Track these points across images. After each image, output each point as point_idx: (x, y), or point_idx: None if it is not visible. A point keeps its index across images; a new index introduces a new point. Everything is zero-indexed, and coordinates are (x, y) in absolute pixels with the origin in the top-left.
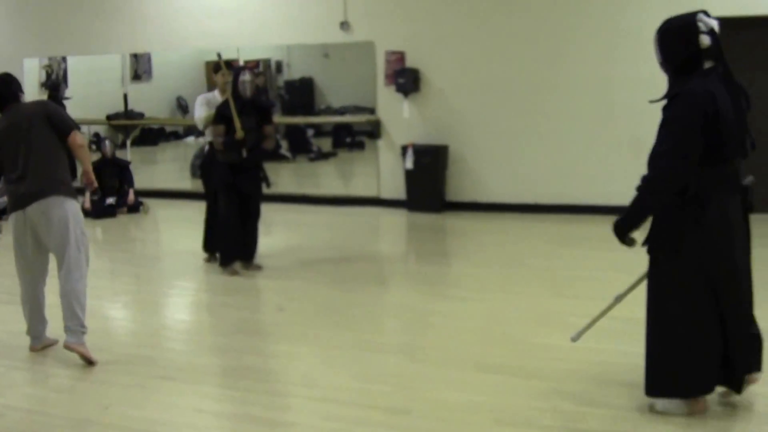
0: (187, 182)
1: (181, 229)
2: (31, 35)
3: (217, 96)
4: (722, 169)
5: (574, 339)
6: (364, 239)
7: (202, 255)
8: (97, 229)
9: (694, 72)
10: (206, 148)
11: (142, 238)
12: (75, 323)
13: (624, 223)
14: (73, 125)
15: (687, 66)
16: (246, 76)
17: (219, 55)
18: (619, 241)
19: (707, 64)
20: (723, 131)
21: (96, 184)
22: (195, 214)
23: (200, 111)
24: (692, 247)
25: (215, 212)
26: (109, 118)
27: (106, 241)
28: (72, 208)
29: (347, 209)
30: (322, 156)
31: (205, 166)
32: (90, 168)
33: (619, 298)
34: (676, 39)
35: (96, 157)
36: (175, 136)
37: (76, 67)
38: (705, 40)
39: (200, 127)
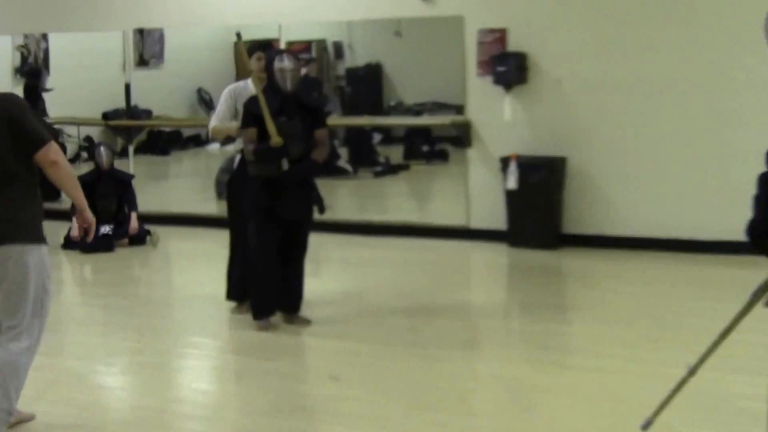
0: (211, 204)
1: (202, 267)
2: (2, 5)
3: (250, 87)
4: None
5: (644, 428)
6: (449, 285)
7: (228, 303)
8: (86, 267)
9: None
10: (237, 159)
11: (148, 278)
12: (1, 406)
13: (755, 226)
14: (45, 136)
15: None
16: (285, 63)
17: (238, 35)
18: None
19: None
20: None
21: (93, 224)
22: (220, 248)
23: (218, 112)
24: None
25: (243, 245)
26: (105, 117)
27: (100, 282)
28: (35, 259)
29: (425, 243)
30: (392, 170)
31: (234, 183)
32: (82, 201)
33: (692, 371)
34: None
35: (87, 168)
36: (195, 141)
37: (61, 49)
38: None
39: (210, 134)
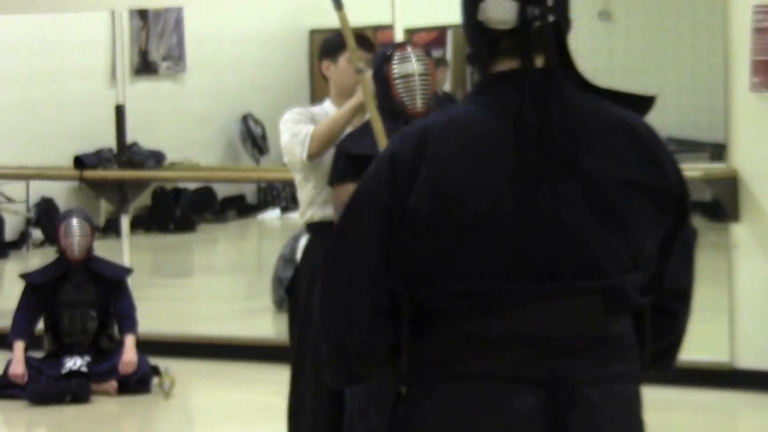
0: (265, 321)
1: None
2: None
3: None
4: (479, 323)
5: None
6: None
7: None
8: (35, 431)
9: (480, 83)
10: (301, 243)
11: None
12: None
13: None
14: None
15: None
16: (412, 64)
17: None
18: None
19: (504, 64)
20: (467, 231)
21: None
22: (284, 400)
23: (298, 129)
24: None
25: (321, 398)
26: (80, 163)
27: None
28: None
29: (651, 395)
30: None
31: (300, 287)
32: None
33: None
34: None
35: (42, 257)
36: (240, 206)
37: (8, 41)
38: (494, 12)
39: (311, 146)
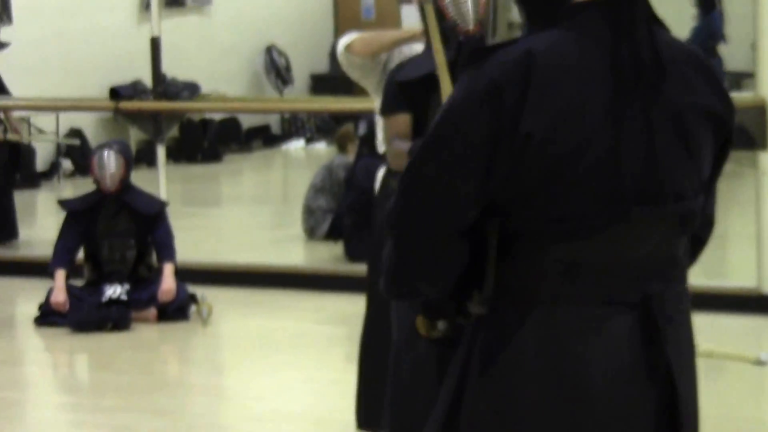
0: (297, 249)
1: (291, 364)
2: None
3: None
4: (574, 249)
5: None
6: (720, 395)
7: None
8: (77, 360)
9: (552, 15)
10: (380, 173)
11: (193, 386)
12: None
13: None
14: None
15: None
16: None
17: None
18: None
19: None
20: (566, 161)
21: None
22: (318, 326)
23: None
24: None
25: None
26: (115, 94)
27: (103, 393)
28: None
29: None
30: None
31: (364, 210)
32: None
33: None
34: None
35: (74, 188)
36: (265, 137)
37: None
38: None
39: (340, 45)
